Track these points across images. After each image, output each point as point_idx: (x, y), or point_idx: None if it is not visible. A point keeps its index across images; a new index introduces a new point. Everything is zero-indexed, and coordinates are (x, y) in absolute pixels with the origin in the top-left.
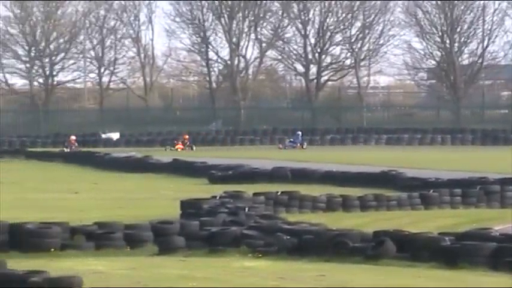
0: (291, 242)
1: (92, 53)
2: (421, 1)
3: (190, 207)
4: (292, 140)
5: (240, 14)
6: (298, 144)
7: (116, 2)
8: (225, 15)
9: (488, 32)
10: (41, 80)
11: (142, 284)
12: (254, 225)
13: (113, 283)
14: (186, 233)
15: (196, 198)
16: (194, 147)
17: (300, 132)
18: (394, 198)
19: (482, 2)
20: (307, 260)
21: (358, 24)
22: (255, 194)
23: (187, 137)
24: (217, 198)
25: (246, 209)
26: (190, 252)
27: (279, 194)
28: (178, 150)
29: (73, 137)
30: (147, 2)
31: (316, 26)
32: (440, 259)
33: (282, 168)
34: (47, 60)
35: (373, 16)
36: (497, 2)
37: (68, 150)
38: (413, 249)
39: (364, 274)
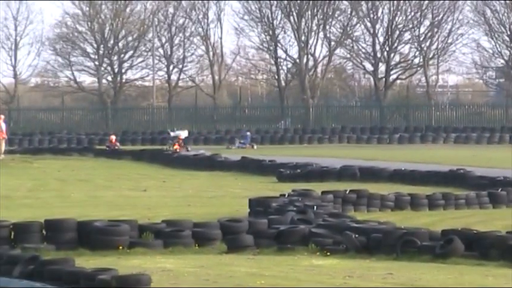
0: (359, 241)
1: (161, 50)
2: (489, 0)
3: (258, 206)
4: (242, 141)
5: (309, 13)
6: (248, 145)
7: (185, 0)
8: (294, 14)
9: None
10: (109, 78)
11: (210, 282)
12: (322, 223)
13: (181, 281)
14: (254, 231)
15: (265, 197)
16: (190, 148)
17: (248, 133)
18: (463, 197)
19: None
20: (375, 259)
21: (427, 22)
22: (323, 193)
23: (182, 137)
24: (286, 196)
25: (315, 207)
26: (258, 250)
27: (347, 192)
28: (178, 150)
29: (113, 137)
30: (216, 0)
31: (385, 24)
32: (509, 258)
33: (351, 166)
34: (115, 58)
35: (441, 15)
36: None
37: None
38: (481, 248)
39: (432, 273)
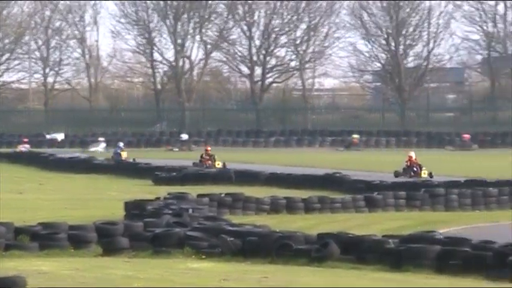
0: (235, 244)
1: (37, 53)
2: (366, 3)
3: (134, 208)
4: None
5: (185, 15)
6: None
7: (62, 2)
8: (170, 17)
9: (434, 34)
10: None
11: (86, 285)
12: (198, 226)
13: (57, 283)
14: (130, 234)
15: (141, 200)
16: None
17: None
18: (338, 200)
19: (428, 4)
20: (251, 262)
21: (304, 26)
22: (199, 196)
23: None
24: (161, 199)
25: (190, 211)
26: (134, 253)
27: (223, 195)
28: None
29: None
30: (93, 2)
31: (262, 27)
32: (385, 261)
33: (227, 170)
34: None
35: (318, 18)
36: (443, 4)
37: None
38: (358, 251)
39: (308, 276)
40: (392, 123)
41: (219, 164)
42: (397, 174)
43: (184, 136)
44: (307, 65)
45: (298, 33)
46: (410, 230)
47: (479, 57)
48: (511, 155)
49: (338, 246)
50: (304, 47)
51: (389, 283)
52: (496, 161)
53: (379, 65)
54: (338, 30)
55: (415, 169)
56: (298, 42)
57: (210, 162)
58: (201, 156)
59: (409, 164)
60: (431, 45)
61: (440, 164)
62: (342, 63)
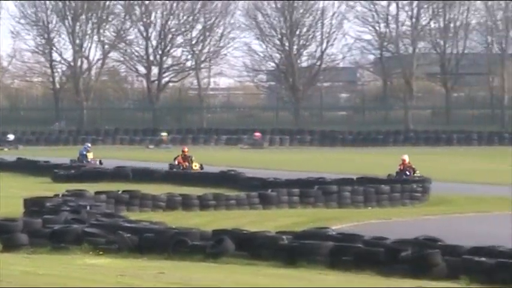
0: (132, 240)
1: None
2: (261, 3)
3: (33, 205)
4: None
5: (84, 16)
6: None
7: None
8: (69, 17)
9: (327, 35)
10: None
11: None
12: (96, 223)
13: None
14: (29, 230)
15: (40, 197)
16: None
17: (11, 135)
18: (233, 197)
19: (321, 5)
20: (148, 258)
21: (199, 26)
22: (96, 193)
23: None
24: (60, 196)
25: (88, 207)
26: (33, 249)
27: (120, 192)
28: None
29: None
30: None
31: (158, 28)
32: (279, 257)
33: (124, 167)
34: None
35: (213, 19)
36: (336, 5)
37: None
38: (252, 247)
39: (204, 272)
40: (286, 122)
41: (196, 166)
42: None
43: (11, 136)
44: (202, 65)
45: (194, 33)
46: (304, 226)
47: (371, 57)
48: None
49: (233, 242)
50: (199, 47)
51: (283, 279)
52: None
53: (273, 64)
54: (233, 30)
55: (407, 173)
56: (194, 42)
57: (187, 164)
58: (176, 158)
59: (402, 167)
60: (324, 45)
61: (333, 162)
62: (236, 63)
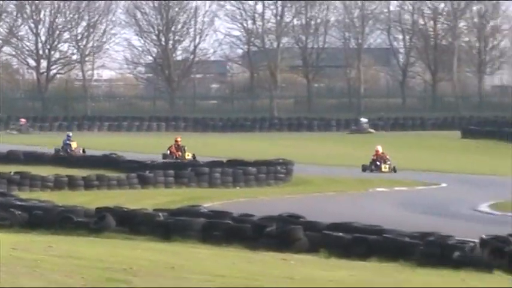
0: (23, 217)
1: None
2: (140, 3)
3: None
4: None
5: None
6: None
7: None
8: None
9: (200, 31)
10: None
11: None
12: None
13: None
14: None
15: None
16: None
17: None
18: (114, 178)
19: (194, 4)
20: (37, 233)
21: (84, 23)
22: None
23: None
24: None
25: None
26: None
27: (11, 174)
28: None
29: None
30: None
31: (47, 25)
32: (156, 233)
33: (16, 150)
34: None
35: (97, 16)
36: (208, 4)
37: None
38: (131, 223)
39: (87, 245)
40: (162, 110)
41: (189, 156)
42: (364, 168)
43: None
44: (87, 58)
45: (79, 30)
46: (178, 204)
47: (240, 51)
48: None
49: (114, 219)
50: (84, 42)
51: (160, 253)
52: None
53: (151, 58)
54: (114, 27)
55: (378, 163)
56: (79, 38)
57: (180, 153)
58: (169, 148)
59: (375, 157)
60: (197, 40)
61: (205, 147)
62: (118, 56)
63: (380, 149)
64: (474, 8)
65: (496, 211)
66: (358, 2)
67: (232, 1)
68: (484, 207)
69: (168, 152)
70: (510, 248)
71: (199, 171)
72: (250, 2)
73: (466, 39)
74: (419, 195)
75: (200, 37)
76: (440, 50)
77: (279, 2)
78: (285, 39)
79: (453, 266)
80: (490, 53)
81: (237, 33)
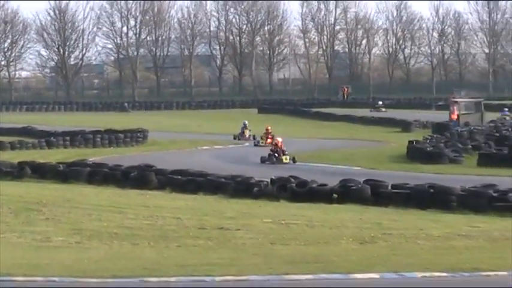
0: None
1: None
2: (45, 25)
3: None
4: None
5: None
6: None
7: None
8: None
9: (86, 45)
10: None
11: None
12: None
13: None
14: None
15: None
16: None
17: None
18: (30, 142)
19: (82, 26)
20: None
21: (9, 40)
22: None
23: None
24: None
25: None
26: None
27: None
28: None
29: None
30: None
31: None
32: (58, 177)
33: None
34: None
35: (17, 35)
36: (91, 25)
37: None
38: (42, 172)
39: (12, 187)
40: (61, 97)
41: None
42: (262, 159)
43: None
44: (11, 64)
45: (6, 44)
46: (72, 159)
47: (112, 58)
48: None
49: (30, 169)
50: (9, 53)
51: (60, 191)
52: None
53: (53, 63)
54: (30, 42)
55: (276, 155)
56: (6, 50)
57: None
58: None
59: (274, 148)
60: (84, 51)
61: (91, 122)
62: (31, 62)
63: (280, 140)
64: (266, 28)
65: None
66: (190, 24)
67: (106, 25)
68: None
69: None
70: (291, 185)
71: (86, 137)
72: (118, 25)
73: (261, 48)
74: (230, 151)
75: (86, 49)
76: (243, 56)
77: (138, 24)
78: (141, 50)
79: (254, 197)
80: (277, 57)
81: (110, 46)
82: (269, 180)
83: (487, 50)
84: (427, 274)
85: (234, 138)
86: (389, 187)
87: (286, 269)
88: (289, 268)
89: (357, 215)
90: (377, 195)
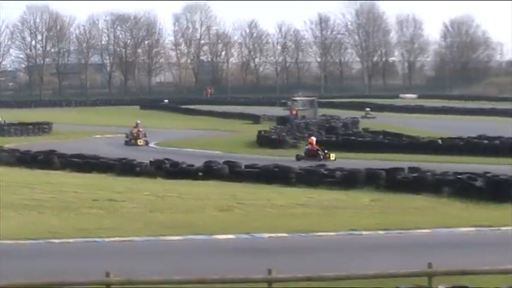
0: None
1: None
2: None
3: None
4: None
5: None
6: None
7: None
8: None
9: (1, 56)
10: None
11: None
12: None
13: None
14: None
15: None
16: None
17: None
18: None
19: None
20: None
21: None
22: None
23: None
24: None
25: None
26: None
27: None
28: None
29: None
30: None
31: None
32: None
33: None
34: None
35: None
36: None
37: None
38: None
39: None
40: None
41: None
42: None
43: None
44: None
45: None
46: None
47: (23, 66)
48: None
49: None
50: None
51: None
52: None
53: None
54: None
55: (319, 152)
56: None
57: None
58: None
59: (309, 147)
60: (1, 59)
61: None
62: None
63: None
64: (146, 42)
65: (158, 146)
66: (85, 38)
67: (19, 39)
68: (152, 144)
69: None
70: (165, 165)
71: (2, 128)
72: (28, 39)
73: (142, 58)
74: (119, 140)
75: (2, 58)
76: (128, 64)
77: (44, 39)
78: (47, 59)
79: (136, 175)
80: (155, 65)
81: (22, 56)
82: (148, 162)
83: (319, 59)
84: (273, 235)
85: (127, 137)
86: (243, 167)
87: (162, 232)
88: (165, 231)
89: (218, 189)
90: (234, 173)
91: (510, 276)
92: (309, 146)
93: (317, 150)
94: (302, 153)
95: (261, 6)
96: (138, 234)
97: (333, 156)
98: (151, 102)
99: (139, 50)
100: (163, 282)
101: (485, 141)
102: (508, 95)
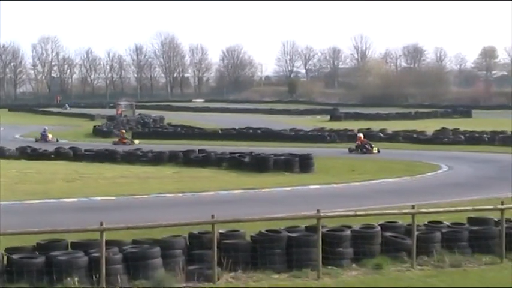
0: None
1: None
2: None
3: None
4: None
5: None
6: None
7: None
8: None
9: None
10: None
11: None
12: None
13: None
14: None
15: None
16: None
17: None
18: None
19: None
20: None
21: None
22: None
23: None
24: None
25: None
26: None
27: None
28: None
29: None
30: None
31: None
32: None
33: None
34: None
35: None
36: None
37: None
38: None
39: None
40: None
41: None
42: (350, 150)
43: None
44: None
45: None
46: None
47: None
48: None
49: None
50: None
51: None
52: None
53: None
54: None
55: (366, 146)
56: None
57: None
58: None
59: (359, 143)
60: None
61: None
62: None
63: (362, 135)
64: (12, 64)
65: (23, 138)
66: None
67: None
68: (17, 136)
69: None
70: (27, 150)
71: None
72: None
73: (9, 75)
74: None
75: None
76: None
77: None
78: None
79: (6, 158)
80: (19, 80)
81: None
82: (15, 148)
83: (136, 75)
84: (104, 198)
85: (36, 141)
86: (83, 150)
87: (24, 198)
88: (27, 197)
89: (65, 166)
90: (76, 155)
91: (291, 221)
92: (358, 142)
93: (365, 144)
94: (353, 147)
95: (95, 36)
96: (6, 199)
97: (375, 149)
98: (16, 106)
99: (7, 69)
100: (23, 234)
101: (251, 131)
102: (267, 99)
